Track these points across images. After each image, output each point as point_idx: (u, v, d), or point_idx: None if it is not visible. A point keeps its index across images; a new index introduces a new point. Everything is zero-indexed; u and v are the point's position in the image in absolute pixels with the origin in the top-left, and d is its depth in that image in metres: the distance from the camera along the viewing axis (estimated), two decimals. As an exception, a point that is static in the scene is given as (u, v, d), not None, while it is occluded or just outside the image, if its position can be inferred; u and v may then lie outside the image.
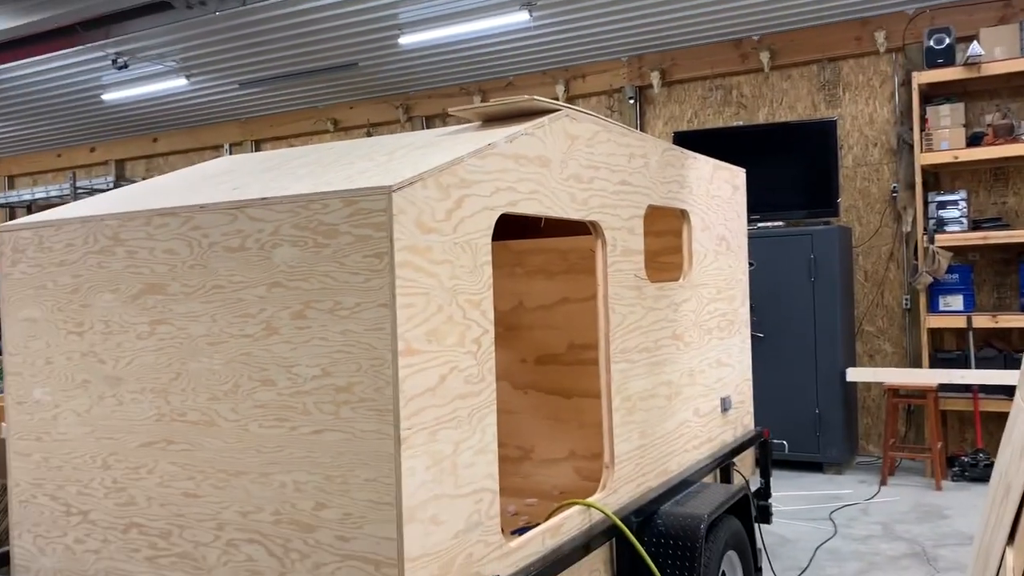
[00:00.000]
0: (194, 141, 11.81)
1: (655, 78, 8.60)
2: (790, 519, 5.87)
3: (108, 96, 9.76)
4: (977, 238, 6.87)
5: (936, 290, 7.12)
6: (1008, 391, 6.78)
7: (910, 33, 7.48)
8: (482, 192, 2.43)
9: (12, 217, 13.93)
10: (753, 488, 4.66)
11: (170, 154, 12.16)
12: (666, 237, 4.68)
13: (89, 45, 7.63)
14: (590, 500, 2.96)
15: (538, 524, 2.75)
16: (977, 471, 6.69)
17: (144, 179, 12.04)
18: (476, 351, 2.40)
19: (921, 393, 6.82)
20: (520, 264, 4.65)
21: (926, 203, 7.15)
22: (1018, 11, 7.11)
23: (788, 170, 7.55)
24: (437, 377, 2.24)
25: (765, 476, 4.70)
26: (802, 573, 4.83)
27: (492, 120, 2.96)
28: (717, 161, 4.35)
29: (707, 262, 4.16)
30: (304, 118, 10.86)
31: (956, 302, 7.08)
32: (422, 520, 2.16)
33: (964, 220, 7.02)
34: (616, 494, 3.15)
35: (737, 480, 4.26)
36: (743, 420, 4.60)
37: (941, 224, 7.05)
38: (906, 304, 7.61)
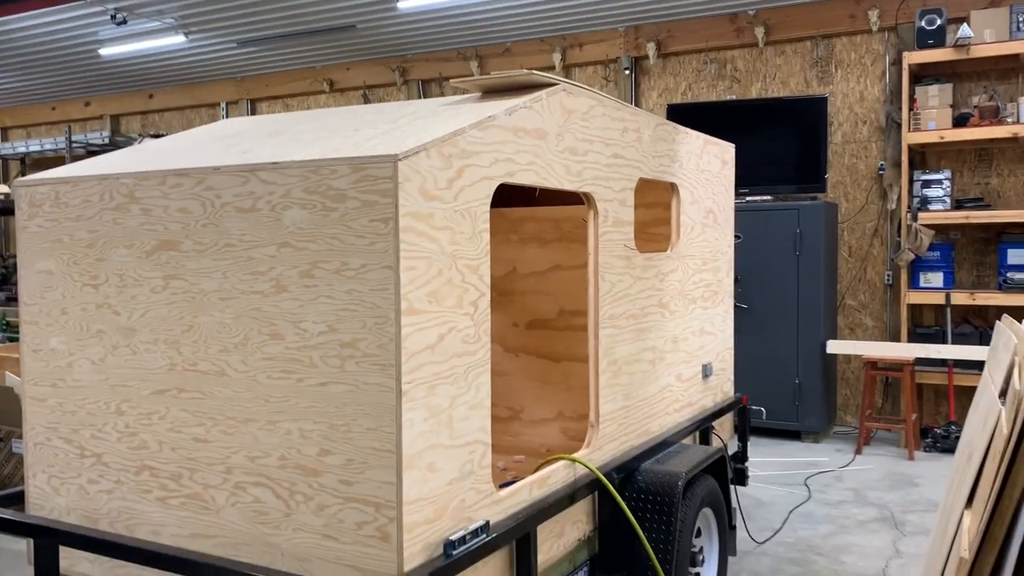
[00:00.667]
0: (190, 98, 11.83)
1: (651, 49, 8.69)
2: (767, 484, 6.09)
3: (105, 51, 9.77)
4: (959, 217, 7.04)
5: (917, 267, 7.31)
6: (982, 366, 7.00)
7: (903, 13, 7.59)
8: (482, 162, 2.57)
9: (5, 170, 13.94)
10: (731, 451, 4.86)
11: (165, 111, 12.18)
12: (656, 209, 4.82)
13: (89, 0, 7.65)
14: (575, 455, 3.14)
15: (524, 479, 2.92)
16: (949, 442, 6.93)
17: (140, 135, 12.06)
18: (473, 313, 2.55)
19: (898, 366, 7.04)
20: (515, 231, 4.79)
21: (911, 181, 7.31)
22: (1010, -6, 7.23)
23: (778, 145, 7.69)
24: (436, 336, 2.40)
25: (743, 440, 4.90)
26: (775, 534, 5.06)
27: (491, 92, 3.09)
28: (707, 136, 4.48)
29: (694, 234, 4.31)
30: (300, 78, 10.89)
31: (936, 279, 7.27)
32: (419, 467, 2.33)
33: (947, 199, 7.19)
34: (600, 451, 3.33)
35: (715, 443, 4.45)
36: (723, 387, 4.79)
37: (925, 202, 7.21)
38: (888, 280, 7.80)
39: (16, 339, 7.74)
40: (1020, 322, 3.74)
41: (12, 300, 10.19)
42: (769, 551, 4.77)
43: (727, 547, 3.98)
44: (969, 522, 3.00)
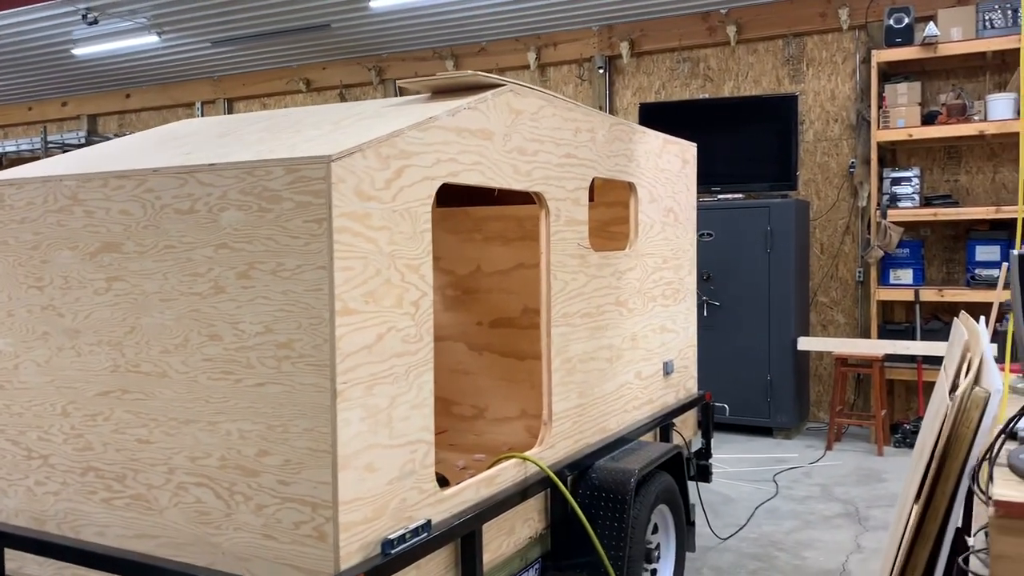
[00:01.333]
0: (167, 98, 11.79)
1: (624, 48, 8.71)
2: (735, 480, 6.13)
3: (79, 51, 9.73)
4: (928, 214, 7.10)
5: (887, 263, 7.37)
6: (950, 362, 7.05)
7: (872, 11, 7.64)
8: (422, 163, 2.58)
9: (-17, 170, 13.86)
10: (695, 448, 4.89)
11: (142, 110, 12.14)
12: (616, 208, 4.84)
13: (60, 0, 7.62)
14: (526, 454, 3.16)
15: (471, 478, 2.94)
16: (917, 438, 6.98)
17: (116, 135, 12.02)
18: (414, 312, 2.56)
19: (868, 363, 7.09)
20: (479, 230, 4.81)
21: (881, 179, 7.36)
22: (977, -7, 7.28)
23: (750, 143, 7.73)
24: (374, 336, 2.41)
25: (706, 437, 4.92)
26: (739, 530, 5.09)
27: (441, 93, 3.10)
28: (667, 136, 4.50)
29: (653, 233, 4.33)
30: (277, 77, 10.88)
31: (906, 276, 7.33)
32: (356, 467, 2.34)
33: (916, 196, 7.24)
34: (553, 449, 3.35)
35: (676, 439, 4.48)
36: (686, 384, 4.82)
37: (894, 200, 7.27)
38: (859, 276, 7.85)
39: None
40: (984, 318, 3.78)
41: None
42: (732, 547, 4.81)
43: (685, 543, 4.01)
44: (915, 515, 3.04)
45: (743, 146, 7.76)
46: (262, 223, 2.36)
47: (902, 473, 6.30)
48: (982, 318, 3.66)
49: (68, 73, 11.15)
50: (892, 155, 7.67)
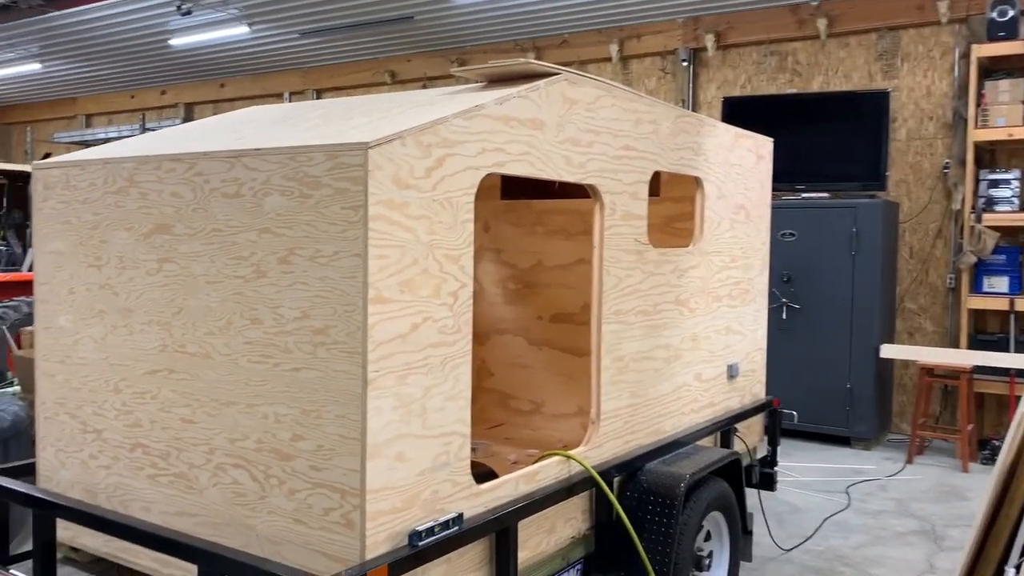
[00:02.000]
0: (258, 88, 12.11)
1: (710, 41, 8.50)
2: (805, 490, 5.91)
3: (175, 41, 10.07)
4: (1028, 219, 6.69)
5: (981, 270, 6.98)
6: (1047, 377, 6.64)
7: (974, 4, 7.23)
8: (466, 152, 2.54)
9: (87, 155, 14.52)
10: (760, 455, 4.73)
11: (236, 99, 12.49)
12: (682, 203, 4.71)
13: (154, -9, 7.89)
14: (570, 452, 3.09)
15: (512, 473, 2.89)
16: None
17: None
18: (452, 303, 2.53)
19: (955, 374, 6.73)
20: (541, 223, 4.75)
21: (977, 180, 6.98)
22: (1092, -16, 6.81)
23: (838, 140, 7.43)
24: (410, 325, 2.38)
25: (772, 444, 4.75)
26: (804, 541, 4.90)
27: (497, 81, 3.05)
28: (740, 129, 4.35)
29: (721, 230, 4.19)
30: (363, 69, 11.03)
31: (1001, 284, 6.93)
32: (386, 456, 2.32)
33: (1016, 200, 6.84)
34: (600, 449, 3.27)
35: (737, 445, 4.33)
36: (752, 388, 4.65)
37: (991, 203, 6.87)
38: (950, 283, 7.47)
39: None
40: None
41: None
42: (794, 559, 4.63)
43: (740, 552, 3.87)
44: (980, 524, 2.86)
45: (830, 143, 7.46)
46: (303, 208, 2.36)
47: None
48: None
49: (166, 63, 11.56)
50: (990, 156, 7.25)
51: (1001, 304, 6.77)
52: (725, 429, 4.22)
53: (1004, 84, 6.79)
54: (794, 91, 8.19)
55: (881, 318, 7.11)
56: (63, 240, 3.02)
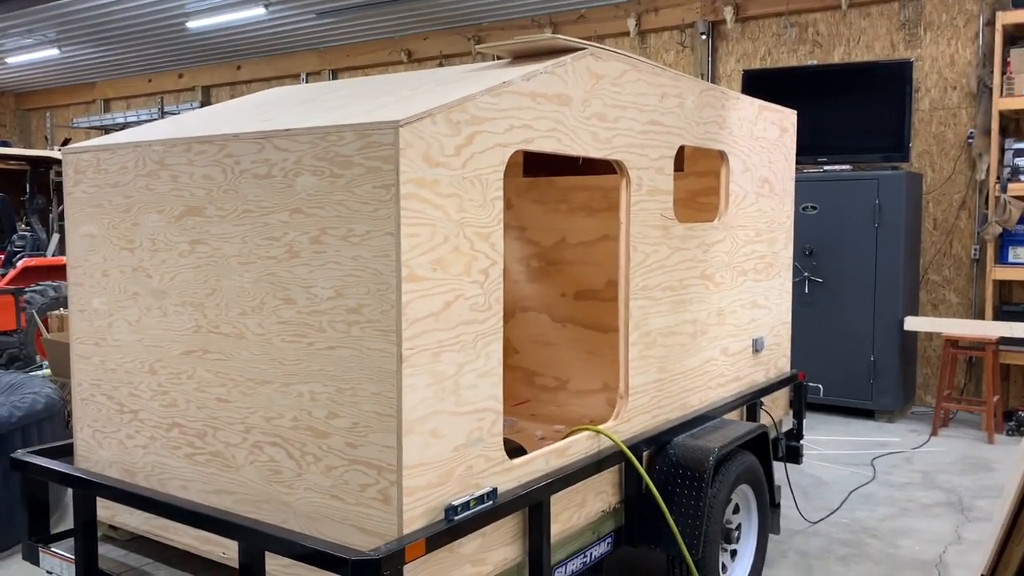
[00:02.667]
0: (275, 70, 12.11)
1: (728, 13, 8.41)
2: (831, 463, 5.91)
3: (192, 24, 10.08)
4: (1054, 188, 6.61)
5: (1006, 241, 6.91)
6: (1074, 348, 6.58)
7: (999, -30, 7.12)
8: (495, 129, 2.54)
9: (107, 139, 14.59)
10: (785, 429, 4.74)
11: (252, 81, 12.51)
12: (707, 178, 4.69)
13: (171, -26, 7.89)
14: (600, 427, 3.11)
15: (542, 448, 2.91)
16: (1033, 427, 6.58)
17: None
18: (483, 281, 2.54)
19: (980, 345, 6.69)
20: (564, 200, 4.75)
21: (1002, 150, 6.90)
22: (1120, -53, 6.68)
23: (860, 112, 7.35)
24: (442, 303, 2.40)
25: (798, 417, 4.75)
26: (831, 514, 4.91)
27: (522, 57, 3.05)
28: (763, 102, 4.32)
29: (746, 204, 4.18)
30: (379, 48, 11.00)
31: (1027, 254, 6.86)
32: (421, 432, 2.35)
33: (1042, 169, 6.75)
34: (629, 423, 3.29)
35: (764, 419, 4.34)
36: (777, 362, 4.65)
37: (1016, 173, 6.80)
38: (975, 254, 7.41)
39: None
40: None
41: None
42: (821, 531, 4.64)
43: (768, 525, 3.89)
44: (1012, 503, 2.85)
45: (852, 115, 7.39)
46: (334, 188, 2.38)
47: (1013, 462, 5.94)
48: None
49: (183, 46, 11.58)
50: (1016, 125, 7.16)
51: (1027, 275, 6.71)
52: (751, 403, 4.23)
53: (1030, 51, 6.68)
54: (815, 63, 8.10)
55: (905, 290, 7.07)
56: (95, 223, 3.06)
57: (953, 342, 6.76)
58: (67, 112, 15.23)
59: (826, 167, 7.39)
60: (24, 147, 15.41)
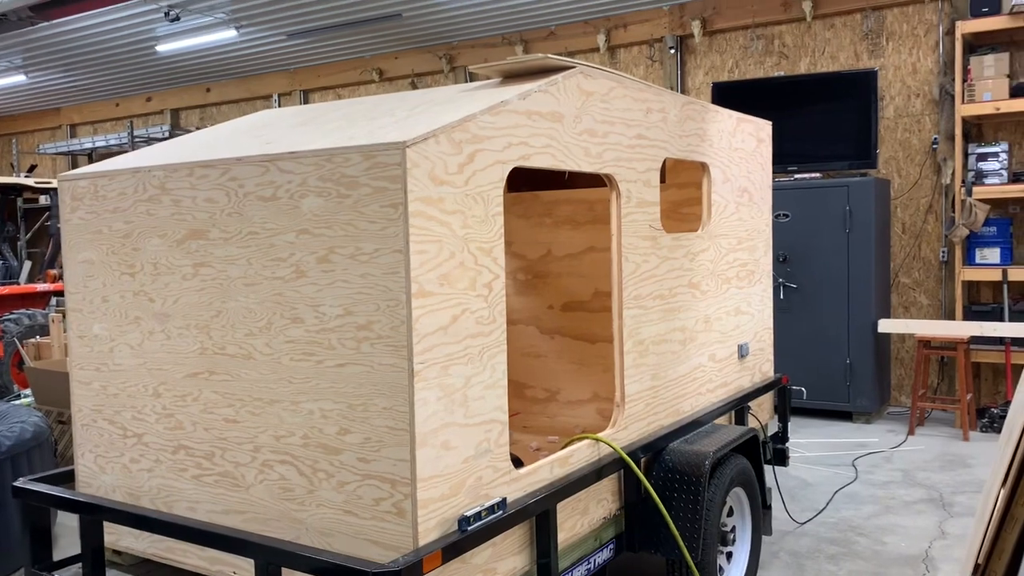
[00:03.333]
0: (245, 91, 12.10)
1: (696, 27, 8.58)
2: (813, 465, 6.03)
3: (162, 47, 10.06)
4: (1017, 191, 6.83)
5: (973, 243, 7.12)
6: (1042, 344, 6.78)
7: (957, -19, 7.35)
8: (494, 147, 2.62)
9: (75, 164, 14.47)
10: (771, 432, 4.83)
11: (223, 103, 12.48)
12: (688, 189, 4.80)
13: (142, -2, 7.89)
14: (599, 435, 3.18)
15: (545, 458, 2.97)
16: (1006, 421, 6.75)
17: (198, 128, 12.40)
18: (487, 295, 2.60)
19: (952, 345, 6.87)
20: (549, 214, 4.83)
21: (966, 155, 7.11)
22: (1070, -43, 6.93)
23: (827, 121, 7.54)
24: (449, 317, 2.46)
25: (783, 421, 4.86)
26: (817, 514, 5.02)
27: (512, 77, 3.13)
28: (741, 114, 4.44)
29: (727, 213, 4.29)
30: (351, 68, 11.05)
31: (993, 255, 7.07)
32: (434, 445, 2.40)
33: (1004, 172, 6.97)
34: (626, 431, 3.36)
35: (751, 423, 4.43)
36: (762, 367, 4.76)
37: (980, 176, 7.01)
38: (943, 256, 7.60)
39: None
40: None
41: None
42: (809, 531, 4.74)
43: (761, 527, 3.98)
44: (1001, 499, 2.95)
45: (820, 124, 7.57)
46: (341, 208, 2.43)
47: (989, 458, 6.10)
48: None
49: (152, 69, 11.53)
50: (978, 130, 7.39)
51: (994, 275, 6.91)
52: (740, 407, 4.32)
53: (989, 59, 6.91)
54: (782, 74, 8.29)
55: (877, 293, 7.24)
56: (94, 249, 3.07)
57: (925, 343, 6.94)
58: (33, 138, 15.07)
59: (797, 175, 7.56)
60: (-11, 174, 15.22)
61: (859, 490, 5.46)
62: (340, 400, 2.48)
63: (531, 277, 4.88)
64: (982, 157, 7.03)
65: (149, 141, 12.37)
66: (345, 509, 2.48)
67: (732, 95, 7.86)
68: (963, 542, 4.50)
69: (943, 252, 7.60)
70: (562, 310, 4.80)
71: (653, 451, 3.47)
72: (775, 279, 7.46)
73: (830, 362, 7.29)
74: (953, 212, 7.22)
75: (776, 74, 8.32)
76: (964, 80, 6.96)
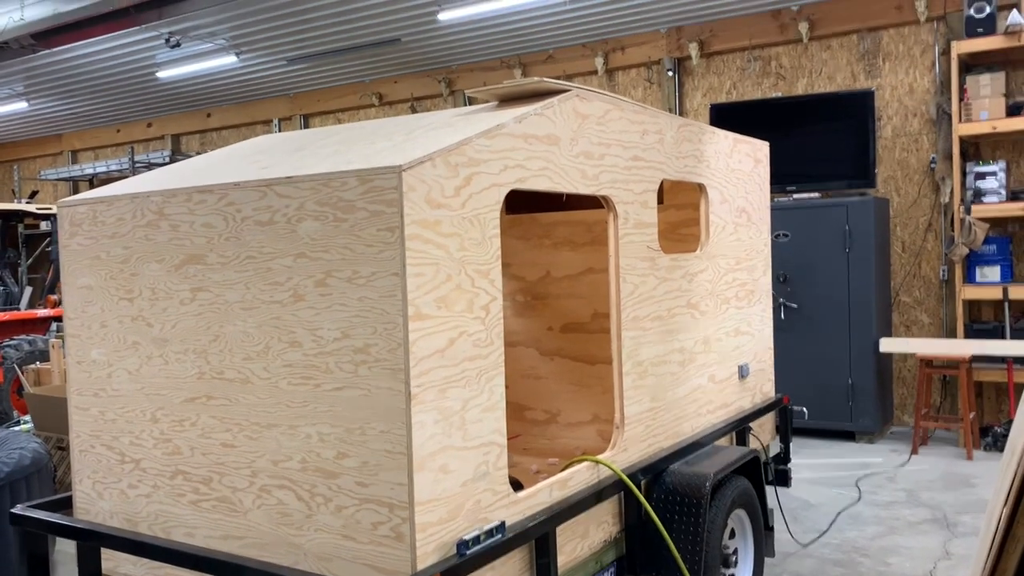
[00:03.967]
0: (245, 116, 12.17)
1: (693, 50, 8.64)
2: (816, 485, 6.00)
3: (163, 74, 10.13)
4: (1016, 209, 6.83)
5: (973, 261, 7.12)
6: (1043, 362, 6.77)
7: (951, 1, 7.41)
8: (490, 170, 2.63)
9: (76, 190, 14.53)
10: (773, 453, 4.81)
11: (223, 128, 12.55)
12: (686, 210, 4.81)
13: (143, 26, 7.96)
14: (599, 457, 3.16)
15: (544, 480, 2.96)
16: (1008, 439, 6.72)
17: (198, 153, 12.47)
18: (484, 317, 2.60)
19: (954, 364, 6.85)
20: (548, 236, 4.84)
21: (964, 174, 7.12)
22: (1063, -23, 6.99)
23: (825, 141, 7.57)
24: (446, 340, 2.45)
25: (785, 441, 4.84)
26: (821, 535, 4.98)
27: (508, 100, 3.14)
28: (737, 135, 4.46)
29: (725, 234, 4.29)
30: (350, 93, 11.12)
31: (993, 273, 7.07)
32: (432, 468, 2.39)
33: (1003, 191, 6.98)
34: (626, 453, 3.34)
35: (753, 444, 4.41)
36: (763, 387, 4.74)
37: (979, 195, 7.02)
38: (943, 275, 7.60)
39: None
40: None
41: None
42: (813, 553, 4.71)
43: (763, 548, 3.95)
44: (1003, 520, 2.93)
45: (818, 144, 7.60)
46: (338, 232, 2.44)
47: (993, 477, 6.06)
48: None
49: (153, 95, 11.61)
50: (975, 149, 7.41)
51: (995, 293, 6.90)
52: (740, 428, 4.31)
53: (985, 78, 6.95)
54: (779, 95, 8.33)
55: (877, 313, 7.24)
56: (92, 275, 3.08)
57: (927, 362, 6.92)
58: (34, 164, 15.14)
59: (796, 195, 7.58)
60: (-9, 201, 15.28)
61: (863, 511, 5.42)
62: (338, 424, 2.47)
63: (530, 299, 4.88)
64: (980, 176, 7.04)
65: (150, 166, 12.43)
66: (343, 533, 2.47)
67: (730, 116, 7.89)
68: (968, 562, 4.46)
69: (943, 270, 7.60)
70: (561, 331, 4.80)
71: (653, 473, 3.45)
72: (775, 299, 7.45)
73: (832, 382, 7.27)
74: (952, 231, 7.22)
75: (774, 95, 8.36)
76: (961, 99, 6.99)
